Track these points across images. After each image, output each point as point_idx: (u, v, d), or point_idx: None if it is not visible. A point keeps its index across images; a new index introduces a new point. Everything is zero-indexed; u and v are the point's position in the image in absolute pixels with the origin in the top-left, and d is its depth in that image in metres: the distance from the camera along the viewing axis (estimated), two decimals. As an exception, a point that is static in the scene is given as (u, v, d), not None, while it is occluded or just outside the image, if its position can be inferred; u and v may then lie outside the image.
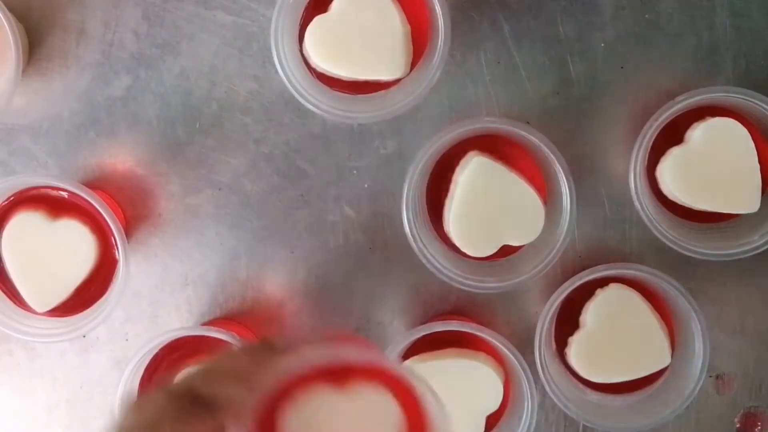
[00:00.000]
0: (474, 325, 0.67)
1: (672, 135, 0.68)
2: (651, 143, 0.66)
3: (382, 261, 0.71)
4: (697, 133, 0.67)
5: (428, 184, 0.69)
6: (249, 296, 0.71)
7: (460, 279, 0.66)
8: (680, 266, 0.68)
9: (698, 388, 0.66)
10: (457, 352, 0.68)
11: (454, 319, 0.69)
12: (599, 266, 0.67)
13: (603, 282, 0.68)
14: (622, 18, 0.70)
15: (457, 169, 0.67)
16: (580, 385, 0.69)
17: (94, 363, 0.72)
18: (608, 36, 0.70)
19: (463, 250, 0.67)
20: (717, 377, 0.72)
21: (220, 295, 0.71)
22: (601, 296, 0.68)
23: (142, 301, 0.71)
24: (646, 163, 0.67)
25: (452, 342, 0.68)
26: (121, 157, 0.71)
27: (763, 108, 0.65)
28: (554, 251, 0.65)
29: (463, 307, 0.71)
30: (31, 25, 0.70)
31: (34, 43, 0.70)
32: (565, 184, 0.65)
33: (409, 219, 0.65)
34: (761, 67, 0.70)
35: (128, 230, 0.71)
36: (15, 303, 0.68)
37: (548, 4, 0.70)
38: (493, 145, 0.68)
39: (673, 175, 0.67)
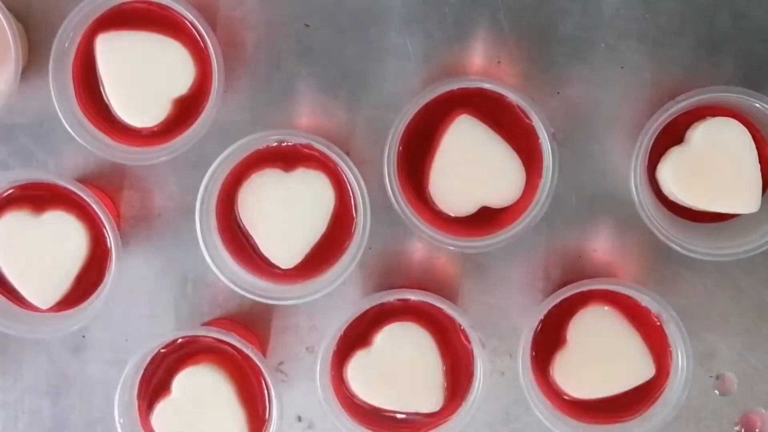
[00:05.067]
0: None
1: (672, 135, 0.68)
2: (651, 143, 0.66)
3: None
4: (697, 133, 0.67)
5: (411, 144, 0.68)
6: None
7: (441, 239, 0.66)
8: (680, 266, 0.68)
9: (684, 395, 0.66)
10: None
11: None
12: (584, 281, 0.67)
13: (584, 298, 0.68)
14: (622, 17, 0.70)
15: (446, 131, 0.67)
16: (566, 406, 0.68)
17: (94, 363, 0.72)
18: (608, 35, 0.70)
19: (443, 208, 0.67)
20: (718, 378, 0.71)
21: (220, 295, 0.71)
22: (583, 313, 0.67)
23: (142, 302, 0.71)
24: (646, 163, 0.67)
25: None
26: (120, 156, 0.71)
27: (764, 108, 0.65)
28: (535, 211, 0.65)
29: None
30: (31, 25, 0.70)
31: (34, 43, 0.70)
32: (547, 142, 0.65)
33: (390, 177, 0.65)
34: (762, 67, 0.70)
35: (127, 230, 0.71)
36: (18, 305, 0.68)
37: (548, 3, 0.70)
38: (479, 106, 0.67)
39: (673, 175, 0.67)
